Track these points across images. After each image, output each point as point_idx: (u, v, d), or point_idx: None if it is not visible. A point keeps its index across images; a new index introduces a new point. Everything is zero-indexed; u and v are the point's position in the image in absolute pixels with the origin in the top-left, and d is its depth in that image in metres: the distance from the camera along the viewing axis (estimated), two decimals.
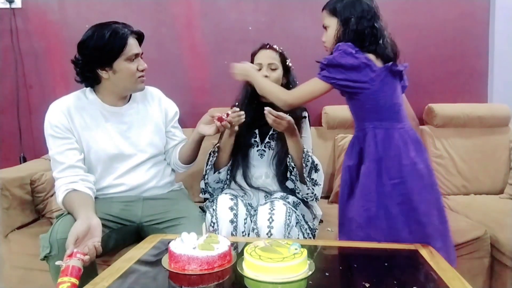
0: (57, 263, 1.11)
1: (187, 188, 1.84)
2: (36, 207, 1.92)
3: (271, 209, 1.41)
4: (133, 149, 1.56)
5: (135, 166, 1.57)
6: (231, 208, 1.44)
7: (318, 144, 2.05)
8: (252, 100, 1.66)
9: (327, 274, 1.03)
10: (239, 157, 1.67)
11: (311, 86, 1.32)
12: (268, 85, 1.42)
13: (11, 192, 1.78)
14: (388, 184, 1.26)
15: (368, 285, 0.93)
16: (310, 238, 1.52)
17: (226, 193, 1.54)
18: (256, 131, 1.68)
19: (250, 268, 0.99)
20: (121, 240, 1.49)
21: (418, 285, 0.97)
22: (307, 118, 1.72)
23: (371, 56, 1.27)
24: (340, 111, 2.15)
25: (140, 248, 1.20)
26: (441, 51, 2.38)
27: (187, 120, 2.10)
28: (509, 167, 2.21)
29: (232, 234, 1.41)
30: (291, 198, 1.56)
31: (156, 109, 1.65)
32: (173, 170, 1.72)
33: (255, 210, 1.49)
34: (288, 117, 1.45)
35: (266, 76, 1.58)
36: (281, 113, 1.43)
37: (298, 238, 1.44)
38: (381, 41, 1.28)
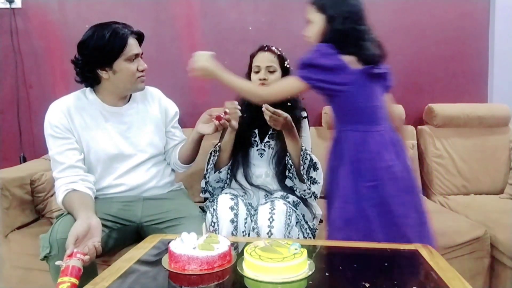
0: (57, 263, 1.11)
1: (187, 188, 1.84)
2: (36, 207, 1.92)
3: (272, 208, 1.41)
4: (133, 149, 1.56)
5: (135, 166, 1.57)
6: (232, 208, 1.45)
7: (318, 144, 2.05)
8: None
9: (327, 274, 1.03)
10: (239, 156, 1.67)
11: (288, 83, 1.32)
12: (238, 82, 1.35)
13: (11, 192, 1.78)
14: (364, 187, 1.26)
15: (368, 285, 0.93)
16: (310, 238, 1.52)
17: (226, 193, 1.54)
18: (256, 130, 1.69)
19: (250, 268, 0.99)
20: (121, 240, 1.49)
21: (418, 285, 0.97)
22: (306, 118, 1.72)
23: (350, 58, 1.25)
24: None
25: (140, 248, 1.19)
26: (441, 51, 2.38)
27: (187, 120, 2.10)
28: (509, 167, 2.21)
29: (232, 234, 1.41)
30: (291, 198, 1.56)
31: (156, 109, 1.65)
32: (173, 170, 1.72)
33: (255, 210, 1.49)
34: (285, 114, 1.45)
35: (264, 79, 1.59)
36: (278, 110, 1.43)
37: (298, 238, 1.44)
38: (364, 43, 1.26)
